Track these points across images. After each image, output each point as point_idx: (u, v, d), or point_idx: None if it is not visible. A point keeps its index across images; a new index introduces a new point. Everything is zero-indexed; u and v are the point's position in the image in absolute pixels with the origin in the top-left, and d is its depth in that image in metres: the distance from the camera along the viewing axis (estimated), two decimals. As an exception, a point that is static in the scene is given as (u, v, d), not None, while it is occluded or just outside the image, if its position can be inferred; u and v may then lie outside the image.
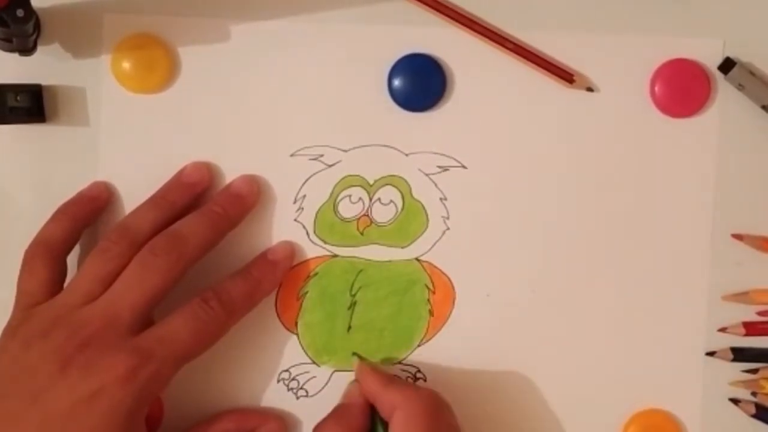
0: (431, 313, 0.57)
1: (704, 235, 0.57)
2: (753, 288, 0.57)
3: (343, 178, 0.56)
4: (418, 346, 0.57)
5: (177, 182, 0.55)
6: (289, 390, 0.57)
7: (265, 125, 0.56)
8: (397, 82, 0.56)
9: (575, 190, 0.57)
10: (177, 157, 0.56)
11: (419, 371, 0.57)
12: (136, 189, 0.55)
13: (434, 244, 0.57)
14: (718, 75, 0.56)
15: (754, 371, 0.57)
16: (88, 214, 0.55)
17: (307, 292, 0.57)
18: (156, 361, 0.49)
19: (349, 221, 0.56)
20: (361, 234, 0.56)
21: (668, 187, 0.57)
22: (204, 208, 0.54)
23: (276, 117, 0.56)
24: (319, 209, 0.56)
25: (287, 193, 0.56)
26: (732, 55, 0.56)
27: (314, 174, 0.56)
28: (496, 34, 0.56)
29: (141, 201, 0.55)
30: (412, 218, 0.57)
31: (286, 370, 0.57)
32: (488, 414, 0.57)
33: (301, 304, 0.57)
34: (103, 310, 0.50)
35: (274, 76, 0.56)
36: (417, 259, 0.57)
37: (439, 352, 0.57)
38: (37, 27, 0.54)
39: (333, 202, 0.56)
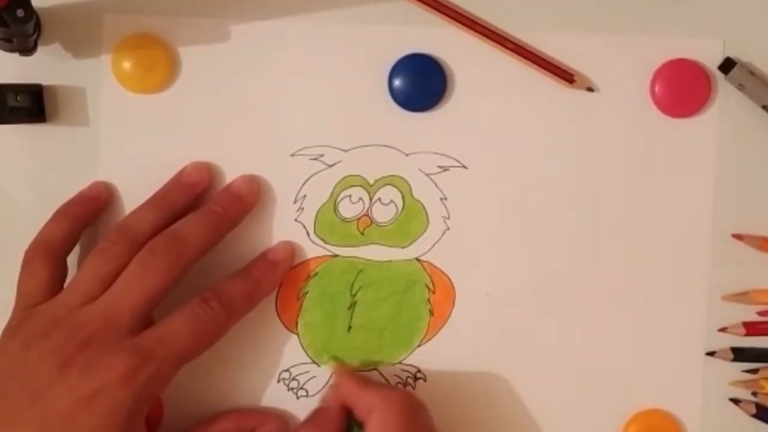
0: (431, 313, 0.57)
1: (704, 235, 0.57)
2: (753, 288, 0.57)
3: (343, 178, 0.56)
4: (418, 346, 0.57)
5: (177, 182, 0.55)
6: (289, 390, 0.57)
7: (265, 125, 0.56)
8: (397, 82, 0.56)
9: (575, 190, 0.57)
10: (177, 157, 0.56)
11: (419, 371, 0.57)
12: (136, 189, 0.55)
13: (434, 244, 0.57)
14: (718, 75, 0.56)
15: (755, 371, 0.57)
16: (88, 215, 0.55)
17: (307, 292, 0.57)
18: (156, 361, 0.49)
19: (349, 221, 0.56)
20: (362, 234, 0.56)
21: (668, 187, 0.57)
22: (204, 208, 0.54)
23: (276, 117, 0.56)
24: (319, 209, 0.56)
25: (287, 193, 0.56)
26: (732, 55, 0.56)
27: (314, 174, 0.56)
28: (496, 34, 0.56)
29: (141, 201, 0.55)
30: (412, 218, 0.57)
31: (287, 370, 0.57)
32: (488, 414, 0.57)
33: (301, 304, 0.57)
34: (103, 310, 0.50)
35: (274, 76, 0.56)
36: (417, 259, 0.57)
37: (439, 352, 0.57)
38: (37, 27, 0.54)
39: (333, 202, 0.56)
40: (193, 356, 0.51)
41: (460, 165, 0.56)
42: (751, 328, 0.56)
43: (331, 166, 0.56)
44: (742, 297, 0.57)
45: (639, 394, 0.57)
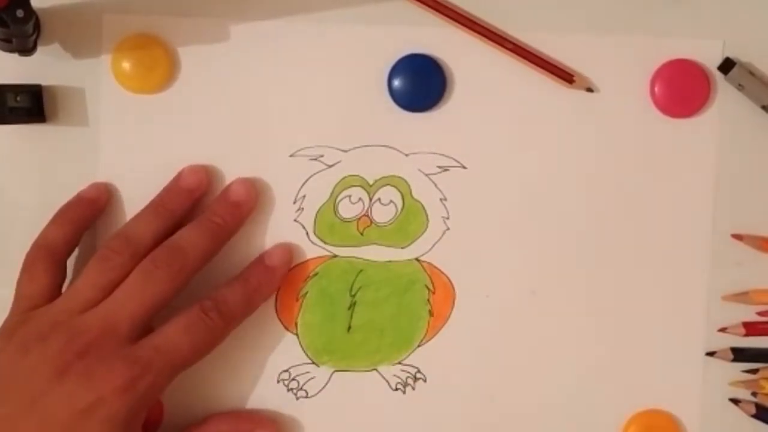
0: (431, 313, 0.57)
1: (704, 235, 0.57)
2: (753, 288, 0.57)
3: (343, 179, 0.56)
4: (418, 346, 0.57)
5: (176, 187, 0.55)
6: (288, 390, 0.57)
7: (265, 125, 0.56)
8: (397, 82, 0.56)
9: (575, 191, 0.57)
10: (177, 158, 0.56)
11: (419, 371, 0.57)
12: (136, 189, 0.55)
13: (434, 244, 0.57)
14: (718, 75, 0.56)
15: (754, 371, 0.57)
16: (88, 217, 0.55)
17: (307, 293, 0.57)
18: (154, 372, 0.50)
19: (349, 221, 0.56)
20: (361, 234, 0.56)
21: (668, 187, 0.57)
22: (203, 218, 0.54)
23: (276, 117, 0.56)
24: (319, 209, 0.56)
25: (287, 194, 0.56)
26: (732, 55, 0.56)
27: (314, 174, 0.56)
28: (496, 34, 0.56)
29: (141, 201, 0.55)
30: (412, 218, 0.57)
31: (286, 371, 0.57)
32: (488, 414, 0.57)
33: (301, 305, 0.57)
34: (102, 317, 0.50)
35: (274, 76, 0.56)
36: (417, 260, 0.57)
37: (439, 352, 0.57)
38: (37, 27, 0.53)
39: (333, 203, 0.56)
40: (190, 365, 0.51)
41: (459, 165, 0.56)
42: (751, 328, 0.56)
43: (330, 166, 0.56)
44: (742, 297, 0.57)
45: (639, 394, 0.57)
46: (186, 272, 0.52)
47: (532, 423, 0.57)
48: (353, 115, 0.56)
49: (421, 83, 0.56)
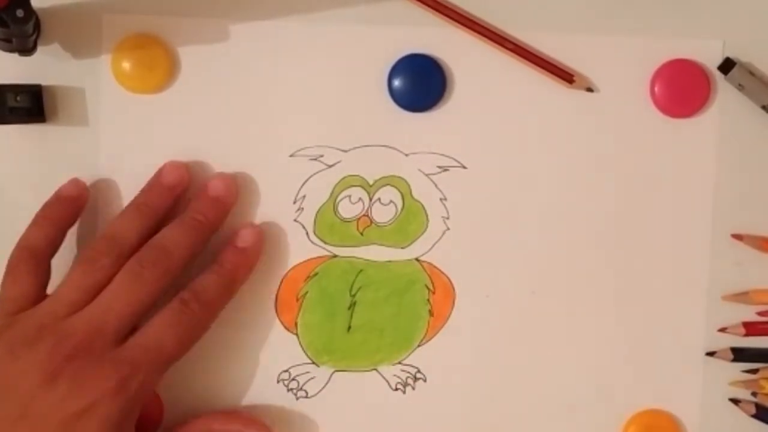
0: (431, 313, 0.57)
1: (704, 235, 0.57)
2: (753, 288, 0.57)
3: (343, 179, 0.56)
4: (418, 346, 0.57)
5: (157, 185, 0.55)
6: (288, 390, 0.57)
7: (265, 125, 0.56)
8: (397, 82, 0.56)
9: (575, 191, 0.57)
10: (177, 157, 0.56)
11: (419, 371, 0.57)
12: (136, 189, 0.55)
13: (434, 244, 0.57)
14: (718, 75, 0.56)
15: (754, 371, 0.57)
16: (70, 216, 0.54)
17: (306, 293, 0.57)
18: (143, 371, 0.50)
19: (349, 221, 0.56)
20: (361, 234, 0.56)
21: (668, 187, 0.57)
22: (186, 216, 0.54)
23: (276, 117, 0.56)
24: (319, 209, 0.56)
25: (287, 194, 0.56)
26: (732, 55, 0.56)
27: (314, 174, 0.56)
28: (496, 34, 0.56)
29: (141, 201, 0.55)
30: (412, 218, 0.56)
31: (286, 371, 0.57)
32: (488, 414, 0.57)
33: (300, 305, 0.57)
34: (89, 320, 0.50)
35: (273, 76, 0.56)
36: (417, 260, 0.57)
37: (439, 352, 0.57)
38: (37, 27, 0.53)
39: (333, 203, 0.56)
40: (178, 358, 0.51)
41: (459, 165, 0.56)
42: (751, 328, 0.56)
43: (330, 166, 0.56)
44: (741, 297, 0.57)
45: (639, 394, 0.57)
46: (171, 272, 0.52)
47: (532, 423, 0.57)
48: (353, 115, 0.56)
49: (421, 83, 0.56)
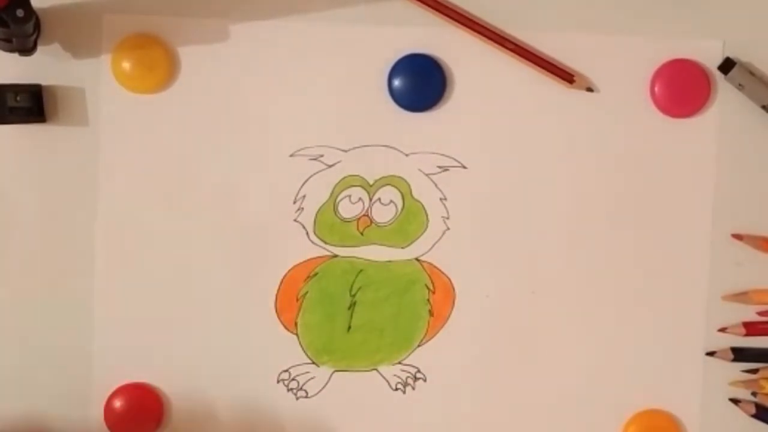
0: (431, 313, 0.57)
1: (704, 235, 0.57)
2: (753, 288, 0.57)
3: (343, 179, 0.56)
4: (418, 346, 0.57)
5: None
6: (288, 390, 0.57)
7: (265, 125, 0.56)
8: (397, 82, 0.56)
9: (575, 191, 0.57)
10: (177, 157, 0.56)
11: (419, 371, 0.57)
12: (136, 189, 0.55)
13: (434, 244, 0.57)
14: (718, 75, 0.56)
15: (754, 371, 0.57)
16: None
17: (307, 293, 0.57)
18: None
19: (349, 221, 0.56)
20: (361, 234, 0.56)
21: (668, 187, 0.57)
22: None
23: (276, 117, 0.56)
24: (319, 209, 0.56)
25: (287, 194, 0.56)
26: (732, 55, 0.56)
27: (314, 174, 0.56)
28: (496, 34, 0.56)
29: (142, 200, 0.55)
30: (412, 218, 0.56)
31: (286, 371, 0.57)
32: (488, 414, 0.57)
33: (300, 305, 0.57)
34: None
35: (274, 76, 0.56)
36: (417, 260, 0.57)
37: (439, 352, 0.57)
38: (37, 27, 0.53)
39: (333, 203, 0.56)
40: None
41: (459, 165, 0.56)
42: (751, 328, 0.56)
43: (330, 166, 0.56)
44: (741, 297, 0.57)
45: (639, 394, 0.57)
46: None
47: (532, 423, 0.57)
48: (353, 115, 0.56)
49: (421, 83, 0.56)
